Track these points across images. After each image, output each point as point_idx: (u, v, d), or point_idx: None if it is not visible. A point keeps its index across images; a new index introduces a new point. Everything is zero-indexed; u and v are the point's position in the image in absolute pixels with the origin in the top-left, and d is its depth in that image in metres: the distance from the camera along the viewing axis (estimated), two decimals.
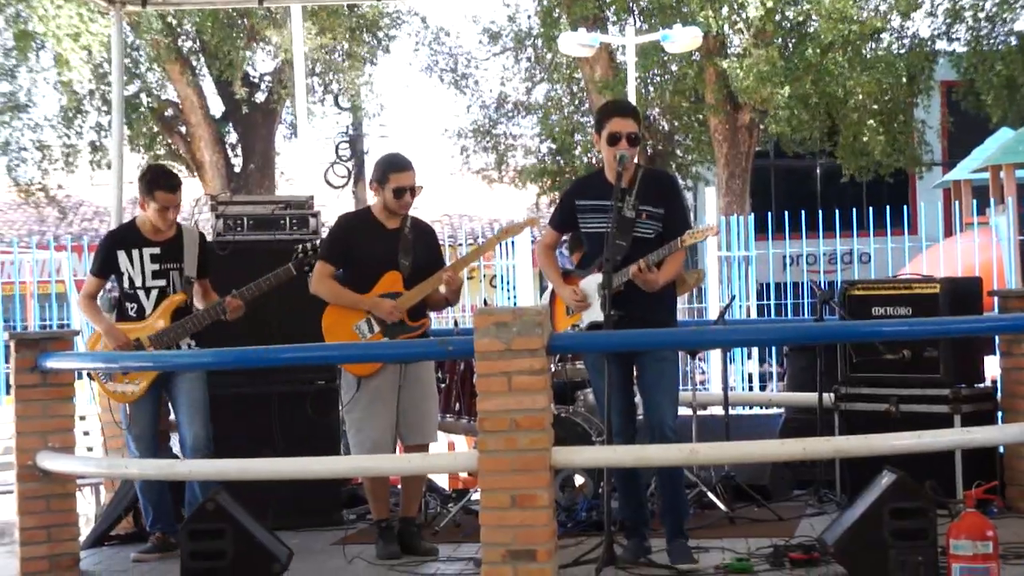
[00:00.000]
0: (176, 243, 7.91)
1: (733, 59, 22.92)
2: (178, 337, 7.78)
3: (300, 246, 7.88)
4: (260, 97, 28.29)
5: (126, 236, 7.95)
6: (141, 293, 7.83)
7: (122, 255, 7.85)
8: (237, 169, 27.96)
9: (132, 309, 7.84)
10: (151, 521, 7.99)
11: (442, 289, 7.69)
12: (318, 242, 7.99)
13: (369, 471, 7.58)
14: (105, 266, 7.89)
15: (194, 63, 26.97)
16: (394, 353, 7.44)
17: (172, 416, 8.10)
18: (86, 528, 8.59)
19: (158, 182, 7.89)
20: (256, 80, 28.49)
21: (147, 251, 7.85)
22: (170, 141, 27.79)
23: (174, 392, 7.82)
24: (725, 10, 22.69)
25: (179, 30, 26.05)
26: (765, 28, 22.38)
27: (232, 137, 28.62)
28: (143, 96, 26.92)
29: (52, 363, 7.37)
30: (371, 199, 7.86)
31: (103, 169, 26.83)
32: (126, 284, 7.84)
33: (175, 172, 8.31)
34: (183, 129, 27.35)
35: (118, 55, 10.15)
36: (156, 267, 7.84)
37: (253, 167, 28.10)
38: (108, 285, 8.14)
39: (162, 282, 7.84)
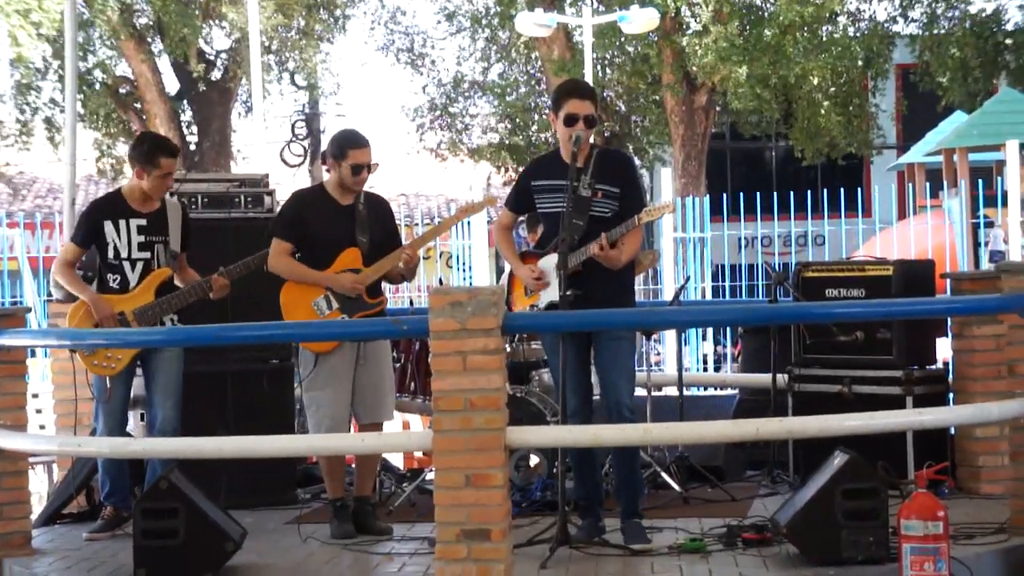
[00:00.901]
0: (161, 215, 7.84)
1: (692, 36, 22.94)
2: (162, 313, 7.71)
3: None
4: (216, 75, 28.14)
5: (114, 206, 7.83)
6: (126, 264, 7.74)
7: (108, 225, 7.73)
8: (192, 147, 27.80)
9: (115, 281, 7.73)
10: (106, 493, 7.92)
11: (400, 265, 7.67)
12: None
13: (324, 450, 7.57)
14: (89, 235, 7.76)
15: (149, 40, 26.77)
16: (348, 331, 7.42)
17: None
18: (38, 506, 8.55)
19: (162, 148, 7.82)
20: (212, 58, 28.34)
21: (134, 222, 7.76)
22: (125, 118, 27.61)
23: (151, 369, 7.75)
24: None
25: (134, 7, 25.85)
26: (722, 9, 22.41)
27: (188, 115, 28.47)
28: (97, 72, 26.72)
29: (4, 340, 7.32)
30: (326, 177, 7.82)
31: (59, 146, 26.65)
32: (111, 255, 7.73)
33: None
34: (138, 106, 27.17)
35: (71, 31, 10.07)
36: (142, 239, 7.75)
37: (208, 145, 27.95)
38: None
39: (147, 254, 7.76)
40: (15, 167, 28.24)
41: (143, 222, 7.78)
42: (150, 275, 7.75)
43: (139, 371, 7.85)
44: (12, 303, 16.38)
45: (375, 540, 7.47)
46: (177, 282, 7.88)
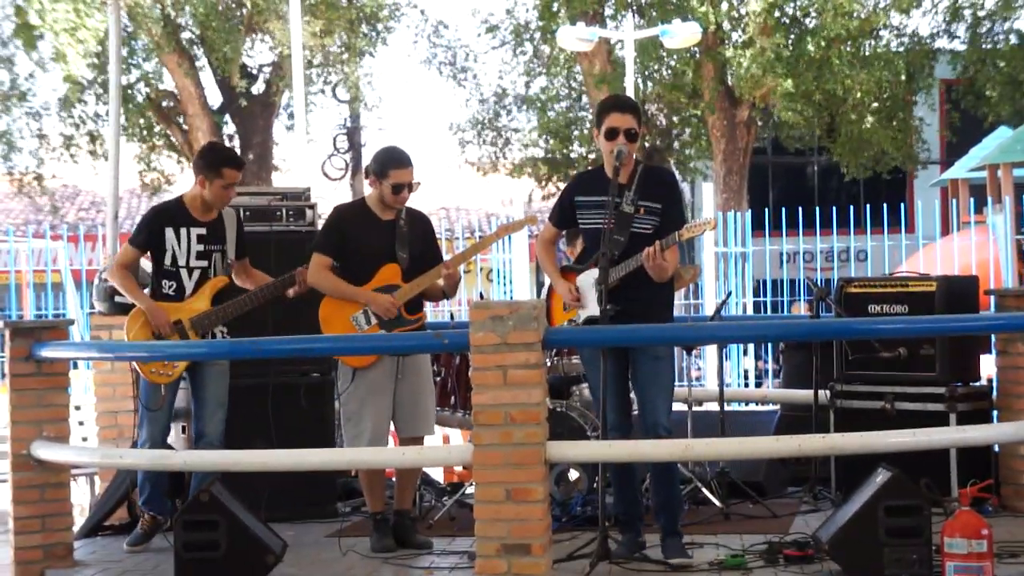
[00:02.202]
0: (219, 225, 7.87)
1: (736, 48, 22.88)
2: (218, 321, 7.74)
3: None
4: (258, 88, 28.26)
5: (176, 213, 7.84)
6: (184, 272, 7.76)
7: (170, 232, 7.76)
8: None
9: (170, 287, 7.75)
10: (144, 499, 7.94)
11: (440, 282, 7.69)
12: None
13: (365, 464, 7.58)
14: (150, 240, 7.77)
15: (192, 54, 26.92)
16: (390, 346, 7.43)
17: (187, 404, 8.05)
18: (80, 518, 8.58)
19: (227, 159, 7.88)
20: (254, 71, 28.47)
21: (194, 231, 7.79)
22: (167, 132, 27.75)
23: (199, 381, 7.76)
24: (724, 5, 22.68)
25: (177, 21, 26.01)
26: (766, 22, 22.35)
27: (230, 128, 28.59)
28: (140, 86, 26.88)
29: (47, 352, 7.36)
30: (367, 190, 7.84)
31: (101, 159, 26.83)
32: (167, 262, 7.76)
33: None
34: (180, 120, 27.31)
35: (115, 45, 10.14)
36: (201, 248, 7.78)
37: (251, 158, 28.07)
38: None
39: (204, 263, 7.79)
40: (59, 179, 28.41)
41: (203, 231, 7.81)
42: (207, 283, 7.78)
43: (183, 383, 7.89)
44: (55, 315, 16.50)
45: (415, 554, 7.47)
46: (247, 287, 7.92)
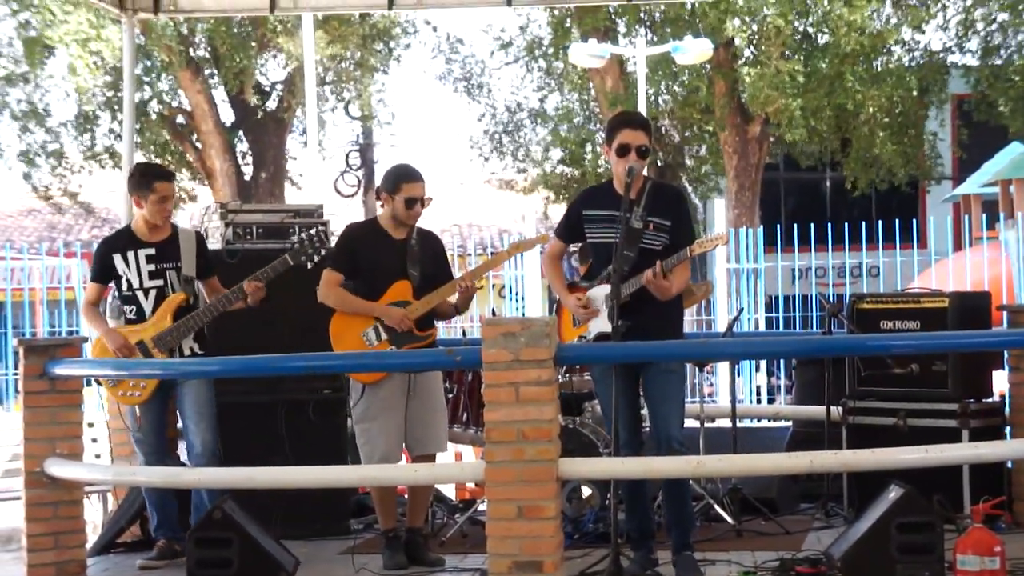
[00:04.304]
0: (172, 243, 7.94)
1: (751, 67, 22.90)
2: (181, 336, 7.79)
3: (298, 236, 7.90)
4: (271, 105, 28.34)
5: (118, 239, 8.01)
6: (140, 294, 7.86)
7: (118, 258, 7.89)
8: (247, 177, 27.98)
9: (131, 311, 7.89)
10: (155, 526, 8.00)
11: (453, 299, 7.70)
12: (313, 232, 8.05)
13: (377, 481, 7.57)
14: (102, 272, 7.94)
15: (205, 71, 27.00)
16: (402, 363, 7.44)
17: (180, 423, 8.10)
18: (93, 535, 8.59)
19: (154, 173, 8.04)
20: (267, 89, 28.54)
21: (142, 252, 7.89)
22: (181, 149, 27.83)
23: (180, 396, 7.83)
24: (737, 21, 22.70)
25: (191, 38, 26.10)
26: (784, 43, 22.36)
27: (243, 145, 28.66)
28: (154, 103, 26.97)
29: (60, 370, 7.38)
30: (379, 208, 7.87)
31: (118, 170, 26.91)
32: (124, 287, 7.89)
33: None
34: (194, 137, 27.38)
35: (129, 62, 10.17)
36: (152, 267, 7.87)
37: (264, 176, 28.13)
38: (115, 292, 8.14)
39: (159, 282, 7.87)
40: (80, 194, 28.50)
41: (151, 251, 7.90)
42: (164, 301, 7.84)
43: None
44: (68, 333, 16.54)
45: (427, 571, 7.46)
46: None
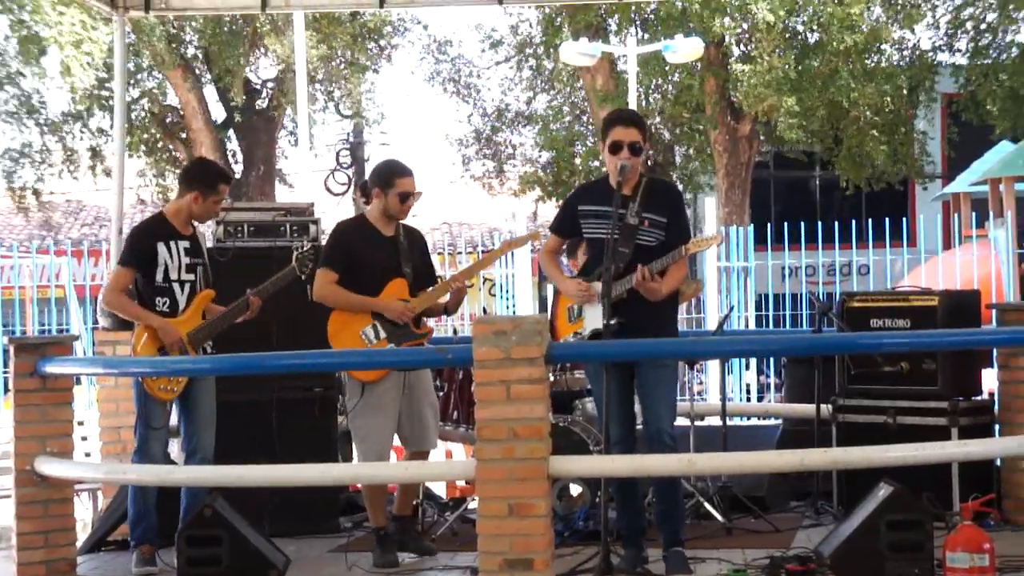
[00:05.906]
0: (198, 239, 7.87)
1: (743, 65, 22.89)
2: (209, 336, 7.71)
3: (298, 248, 7.85)
4: (261, 104, 28.31)
5: (160, 227, 7.78)
6: (176, 287, 7.70)
7: (162, 246, 7.69)
8: (238, 176, 27.97)
9: (164, 304, 7.66)
10: (136, 535, 7.75)
11: (444, 298, 7.71)
12: (308, 244, 8.03)
13: (367, 479, 7.58)
14: (143, 257, 7.67)
15: (196, 69, 26.96)
16: (396, 360, 7.44)
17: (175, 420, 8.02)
18: (83, 534, 8.58)
19: (222, 175, 7.96)
20: (258, 87, 28.52)
21: (181, 244, 7.75)
22: (171, 147, 27.80)
23: (192, 397, 7.69)
24: (728, 20, 22.70)
25: (181, 36, 26.07)
26: (776, 40, 22.35)
27: (233, 144, 28.63)
28: (144, 102, 26.93)
29: (51, 368, 7.37)
30: (366, 209, 7.86)
31: (101, 176, 26.87)
32: (160, 277, 7.67)
33: None
34: (184, 135, 27.35)
35: (120, 60, 10.16)
36: (188, 261, 7.74)
37: (254, 174, 28.11)
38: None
39: (192, 276, 7.76)
40: (62, 195, 28.44)
41: (187, 244, 7.79)
42: (197, 297, 7.75)
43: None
44: (59, 331, 16.51)
45: (418, 569, 7.47)
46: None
